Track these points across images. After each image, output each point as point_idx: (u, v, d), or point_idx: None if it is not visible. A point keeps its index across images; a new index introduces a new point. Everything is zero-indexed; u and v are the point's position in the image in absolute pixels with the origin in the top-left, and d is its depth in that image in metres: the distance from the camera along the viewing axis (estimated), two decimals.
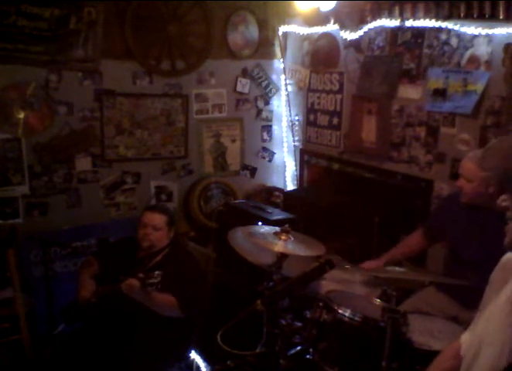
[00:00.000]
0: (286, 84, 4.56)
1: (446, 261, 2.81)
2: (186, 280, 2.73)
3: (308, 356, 2.19)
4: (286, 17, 4.39)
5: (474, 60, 3.01)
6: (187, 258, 2.93)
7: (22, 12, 3.40)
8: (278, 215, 3.53)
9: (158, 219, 2.88)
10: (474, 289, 2.42)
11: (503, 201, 1.36)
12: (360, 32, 3.69)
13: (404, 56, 3.44)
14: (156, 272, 2.49)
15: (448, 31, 3.12)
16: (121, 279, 2.54)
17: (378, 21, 3.52)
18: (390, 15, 3.42)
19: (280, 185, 4.71)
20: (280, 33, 4.46)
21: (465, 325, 2.22)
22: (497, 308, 1.41)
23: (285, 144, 4.68)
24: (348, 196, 3.88)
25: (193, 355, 2.94)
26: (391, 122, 3.59)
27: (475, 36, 2.98)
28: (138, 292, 2.51)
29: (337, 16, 3.87)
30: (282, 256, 2.24)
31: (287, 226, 2.32)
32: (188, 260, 2.91)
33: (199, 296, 2.84)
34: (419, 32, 3.31)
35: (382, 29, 3.56)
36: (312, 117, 4.40)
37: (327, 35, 4.07)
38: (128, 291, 2.51)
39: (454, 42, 3.11)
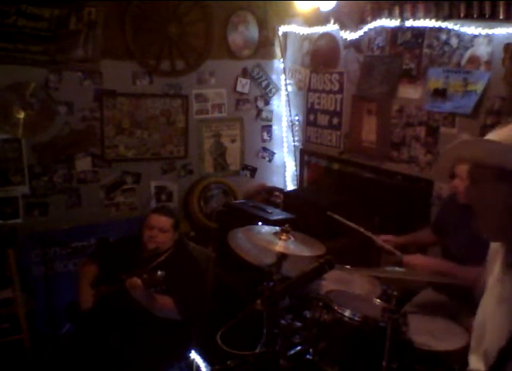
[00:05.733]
0: (286, 84, 4.56)
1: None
2: (187, 283, 2.73)
3: (308, 356, 2.19)
4: (286, 17, 4.39)
5: (474, 60, 3.01)
6: (189, 261, 2.94)
7: (22, 12, 3.40)
8: (278, 215, 3.53)
9: (164, 221, 2.89)
10: (472, 288, 2.43)
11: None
12: (360, 32, 3.69)
13: (404, 56, 3.44)
14: (159, 272, 2.49)
15: (448, 31, 3.12)
16: (123, 278, 2.55)
17: (378, 21, 3.52)
18: (390, 15, 3.42)
19: (280, 185, 4.71)
20: (280, 33, 4.46)
21: (465, 324, 2.23)
22: (490, 284, 1.45)
23: (285, 144, 4.68)
24: (348, 196, 3.88)
25: (193, 355, 2.94)
26: (391, 122, 3.59)
27: (475, 36, 2.98)
28: (140, 291, 2.51)
29: (337, 16, 3.87)
30: (282, 256, 2.24)
31: (287, 226, 2.32)
32: (189, 263, 2.92)
33: (198, 298, 2.84)
34: (419, 32, 3.31)
35: (382, 29, 3.56)
36: (312, 117, 4.40)
37: (327, 35, 4.07)
38: (130, 288, 2.51)
39: (454, 42, 3.11)
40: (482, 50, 2.95)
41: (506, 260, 1.38)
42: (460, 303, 2.56)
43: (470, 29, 2.97)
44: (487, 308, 1.43)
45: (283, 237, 2.25)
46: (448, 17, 3.08)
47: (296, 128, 4.59)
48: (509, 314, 1.30)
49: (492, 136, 1.34)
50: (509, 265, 1.37)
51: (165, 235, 2.88)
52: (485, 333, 1.40)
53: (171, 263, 2.79)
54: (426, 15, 3.19)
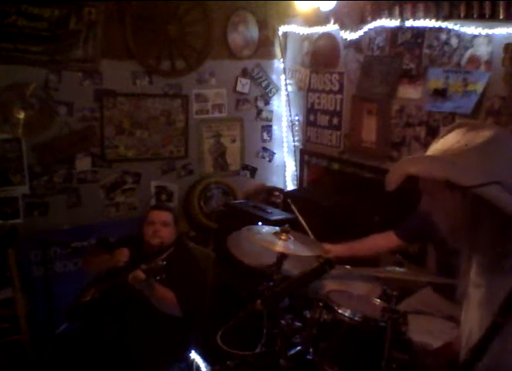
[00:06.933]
0: (286, 84, 4.56)
1: (437, 267, 2.80)
2: (188, 281, 2.75)
3: (308, 356, 2.19)
4: (286, 17, 4.39)
5: (474, 60, 3.01)
6: (189, 259, 2.95)
7: (22, 12, 3.40)
8: (278, 215, 3.53)
9: (166, 216, 2.96)
10: None
11: None
12: (360, 32, 3.69)
13: (404, 56, 3.44)
14: (158, 260, 2.51)
15: (448, 31, 3.12)
16: (124, 277, 2.56)
17: (378, 21, 3.52)
18: (390, 15, 3.42)
19: (280, 185, 4.71)
20: (280, 33, 4.46)
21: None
22: (468, 292, 1.47)
23: (285, 144, 4.68)
24: (348, 196, 3.88)
25: (193, 355, 2.94)
26: (391, 122, 3.59)
27: (475, 36, 2.98)
28: (143, 283, 2.53)
29: (337, 16, 3.87)
30: (282, 256, 2.24)
31: (287, 226, 2.32)
32: (190, 262, 2.93)
33: (199, 296, 2.85)
34: (419, 32, 3.31)
35: (382, 29, 3.56)
36: (312, 117, 4.40)
37: (327, 35, 4.07)
38: (133, 282, 2.53)
39: (454, 42, 3.11)
40: (482, 50, 2.95)
41: (478, 264, 1.39)
42: (457, 303, 2.55)
43: (470, 29, 2.97)
44: (470, 316, 1.43)
45: (283, 237, 2.26)
46: (448, 17, 3.08)
47: (296, 128, 4.59)
48: (490, 317, 1.30)
49: (437, 146, 1.37)
50: (483, 268, 1.37)
51: (168, 229, 2.92)
52: (472, 339, 1.40)
53: (172, 262, 2.80)
54: (426, 15, 3.19)
